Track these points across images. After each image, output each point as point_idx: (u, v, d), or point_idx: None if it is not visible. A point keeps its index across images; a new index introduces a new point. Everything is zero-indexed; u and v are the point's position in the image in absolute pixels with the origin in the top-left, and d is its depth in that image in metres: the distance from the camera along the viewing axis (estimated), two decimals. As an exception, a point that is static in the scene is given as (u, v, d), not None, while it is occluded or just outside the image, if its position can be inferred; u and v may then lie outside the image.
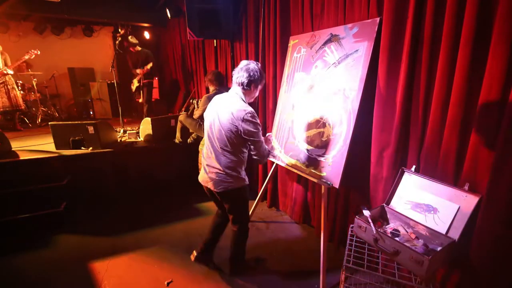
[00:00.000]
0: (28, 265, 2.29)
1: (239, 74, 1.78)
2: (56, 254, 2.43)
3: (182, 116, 3.33)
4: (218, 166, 1.82)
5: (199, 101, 3.52)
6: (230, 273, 2.15)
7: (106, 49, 6.96)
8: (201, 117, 3.10)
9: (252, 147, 1.78)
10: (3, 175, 2.71)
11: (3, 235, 2.64)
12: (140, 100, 5.07)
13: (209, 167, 1.88)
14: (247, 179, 1.92)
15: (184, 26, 4.03)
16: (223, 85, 3.17)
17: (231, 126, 1.72)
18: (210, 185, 1.87)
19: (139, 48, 4.90)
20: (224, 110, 1.76)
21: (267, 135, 2.11)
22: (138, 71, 4.80)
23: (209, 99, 3.06)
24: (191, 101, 5.01)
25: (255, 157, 1.82)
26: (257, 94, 1.90)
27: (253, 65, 1.78)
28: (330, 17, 2.21)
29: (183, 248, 2.48)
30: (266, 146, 1.87)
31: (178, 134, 3.52)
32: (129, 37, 4.85)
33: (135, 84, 4.96)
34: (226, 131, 1.75)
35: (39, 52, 4.38)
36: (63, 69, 6.26)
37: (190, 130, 3.35)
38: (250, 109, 1.73)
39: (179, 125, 3.46)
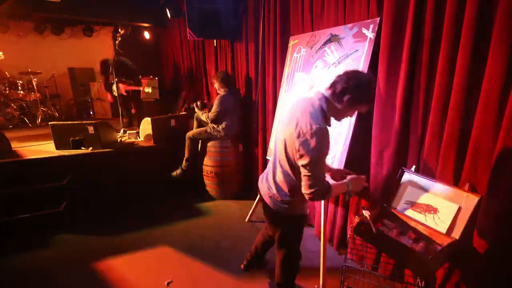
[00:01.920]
0: (28, 265, 2.29)
1: (337, 78, 1.34)
2: (56, 254, 2.43)
3: (204, 116, 3.35)
4: (272, 184, 1.52)
5: (198, 103, 3.52)
6: None
7: (106, 49, 6.96)
8: (215, 119, 3.14)
9: (305, 176, 1.30)
10: (3, 175, 2.71)
11: (3, 235, 2.64)
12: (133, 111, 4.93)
13: (266, 179, 1.59)
14: (304, 210, 1.60)
15: (184, 26, 4.02)
16: (233, 85, 3.20)
17: (293, 141, 1.33)
18: (264, 197, 1.57)
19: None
20: (293, 117, 1.37)
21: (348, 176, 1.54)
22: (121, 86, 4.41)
23: (223, 99, 3.09)
24: (192, 105, 4.99)
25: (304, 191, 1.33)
26: (349, 115, 1.41)
27: (362, 74, 1.33)
28: (330, 17, 2.21)
29: (183, 248, 2.48)
30: (325, 179, 1.37)
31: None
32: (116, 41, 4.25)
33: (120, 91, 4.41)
34: (287, 147, 1.39)
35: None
36: (63, 69, 6.26)
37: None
38: (321, 123, 1.27)
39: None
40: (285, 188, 1.47)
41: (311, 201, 1.40)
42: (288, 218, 1.54)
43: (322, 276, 1.98)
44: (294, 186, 1.42)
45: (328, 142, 1.30)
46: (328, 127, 1.31)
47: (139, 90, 4.60)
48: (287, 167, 1.42)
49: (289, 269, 1.73)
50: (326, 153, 1.31)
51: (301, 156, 1.29)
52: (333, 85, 1.33)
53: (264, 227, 1.96)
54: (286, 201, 1.48)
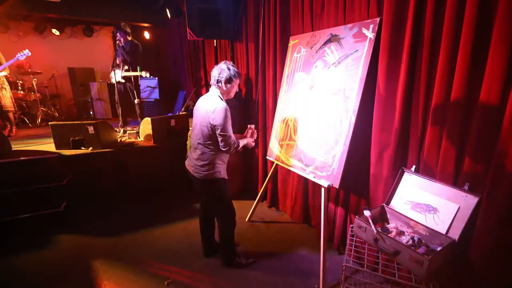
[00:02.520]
0: (28, 265, 2.29)
1: (212, 75, 1.99)
2: (56, 254, 2.43)
3: None
4: (195, 156, 2.02)
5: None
6: (223, 263, 2.26)
7: (106, 49, 6.96)
8: None
9: (219, 139, 1.90)
10: (3, 175, 2.71)
11: (3, 235, 2.64)
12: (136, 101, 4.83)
13: (190, 158, 2.09)
14: (224, 175, 2.07)
15: (184, 26, 4.03)
16: None
17: (205, 120, 1.90)
18: (190, 170, 2.07)
19: (130, 38, 4.33)
20: (200, 107, 1.99)
21: (248, 125, 2.26)
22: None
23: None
24: (190, 102, 4.99)
25: (222, 149, 1.94)
26: (234, 90, 2.05)
27: (222, 64, 1.97)
28: (330, 17, 2.21)
29: (183, 248, 2.48)
30: (234, 139, 1.96)
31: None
32: (122, 24, 4.24)
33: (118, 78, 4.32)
34: (203, 127, 1.93)
35: (29, 53, 4.20)
36: (63, 69, 6.26)
37: None
38: (223, 104, 1.88)
39: None
40: (204, 158, 1.99)
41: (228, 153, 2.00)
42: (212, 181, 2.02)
43: (322, 276, 1.98)
44: (211, 154, 1.97)
45: (228, 111, 1.91)
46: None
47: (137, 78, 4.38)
48: (202, 142, 1.96)
49: (227, 225, 2.17)
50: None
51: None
52: (214, 80, 1.99)
53: (199, 209, 2.36)
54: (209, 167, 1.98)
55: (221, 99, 1.96)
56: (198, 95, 5.13)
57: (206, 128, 1.91)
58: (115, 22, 5.96)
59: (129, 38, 4.34)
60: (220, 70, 1.95)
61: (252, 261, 2.30)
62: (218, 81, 1.96)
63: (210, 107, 1.88)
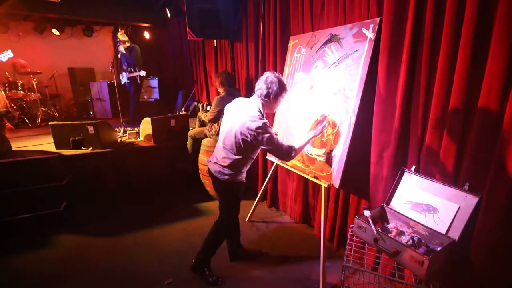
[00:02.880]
0: (28, 265, 2.29)
1: (258, 86, 1.84)
2: (56, 254, 2.43)
3: (204, 115, 3.35)
4: (223, 162, 1.93)
5: (204, 104, 3.52)
6: (192, 267, 2.14)
7: (106, 49, 6.96)
8: (213, 119, 3.14)
9: (272, 153, 1.89)
10: (3, 175, 2.71)
11: (3, 235, 2.64)
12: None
13: (215, 158, 2.01)
14: (244, 178, 2.02)
15: (184, 26, 4.03)
16: (233, 86, 3.18)
17: (242, 133, 1.79)
18: (212, 171, 2.00)
19: (128, 44, 4.60)
20: (240, 115, 1.84)
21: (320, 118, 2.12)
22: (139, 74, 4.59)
23: (222, 100, 3.08)
24: (196, 103, 4.98)
25: (280, 159, 1.95)
26: (277, 105, 1.92)
27: (272, 77, 1.82)
28: (330, 17, 2.22)
29: (183, 248, 2.48)
30: (288, 147, 1.84)
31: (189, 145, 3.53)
32: (119, 34, 4.59)
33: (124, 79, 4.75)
34: (237, 137, 1.82)
35: (11, 55, 4.22)
36: (63, 69, 6.26)
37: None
38: (262, 121, 1.76)
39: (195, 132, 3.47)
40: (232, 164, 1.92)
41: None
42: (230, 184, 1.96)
43: (322, 276, 1.98)
44: (239, 161, 1.91)
45: (268, 127, 1.80)
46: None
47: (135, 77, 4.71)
48: (233, 152, 1.89)
49: (224, 226, 2.15)
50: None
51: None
52: (258, 94, 1.86)
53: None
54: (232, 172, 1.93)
55: (261, 113, 1.82)
56: (198, 95, 5.13)
57: (241, 141, 1.81)
58: (115, 22, 5.97)
59: (128, 45, 4.49)
60: (270, 84, 1.79)
61: (220, 283, 2.05)
62: (266, 96, 1.80)
63: (250, 124, 1.74)
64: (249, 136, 1.76)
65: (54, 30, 6.03)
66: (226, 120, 1.96)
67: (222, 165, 1.92)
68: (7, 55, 4.10)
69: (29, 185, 2.76)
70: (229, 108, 1.98)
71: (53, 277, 2.16)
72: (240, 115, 1.84)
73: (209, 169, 2.03)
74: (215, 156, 2.01)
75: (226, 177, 1.91)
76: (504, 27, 1.23)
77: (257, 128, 1.73)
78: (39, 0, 4.59)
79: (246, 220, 2.95)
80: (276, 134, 1.85)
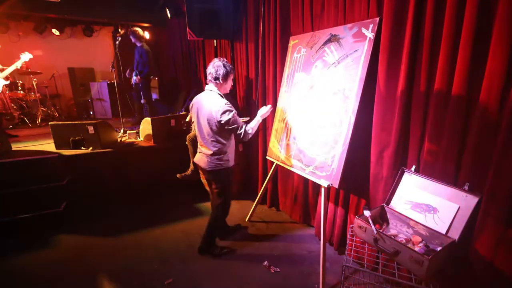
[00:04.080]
0: (28, 265, 2.29)
1: (208, 71, 2.13)
2: (56, 254, 2.43)
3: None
4: (208, 151, 2.15)
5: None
6: (199, 249, 2.39)
7: (106, 49, 6.96)
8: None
9: (234, 132, 2.06)
10: (3, 175, 2.71)
11: (3, 235, 2.64)
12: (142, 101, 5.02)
13: (201, 153, 2.24)
14: (232, 162, 2.23)
15: (184, 26, 4.02)
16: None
17: (213, 120, 2.03)
18: (202, 165, 2.21)
19: (142, 44, 4.74)
20: (204, 106, 2.09)
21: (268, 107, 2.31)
22: (133, 80, 4.62)
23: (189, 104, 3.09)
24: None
25: (241, 139, 2.09)
26: (229, 86, 2.20)
27: (217, 62, 2.11)
28: (330, 17, 2.21)
29: (183, 248, 2.48)
30: (246, 127, 2.08)
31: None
32: (137, 29, 4.46)
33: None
34: (210, 124, 2.05)
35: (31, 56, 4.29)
36: (63, 69, 6.26)
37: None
38: (224, 101, 2.02)
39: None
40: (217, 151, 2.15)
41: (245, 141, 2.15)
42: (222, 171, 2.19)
43: (322, 276, 1.98)
44: (222, 147, 2.14)
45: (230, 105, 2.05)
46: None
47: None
48: (213, 138, 2.11)
49: (222, 211, 2.38)
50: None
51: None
52: (211, 77, 2.13)
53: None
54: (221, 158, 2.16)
55: (221, 96, 2.10)
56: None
57: (215, 126, 2.04)
58: (115, 22, 5.97)
59: (141, 44, 4.57)
60: (217, 67, 2.08)
61: (226, 251, 2.41)
62: (216, 78, 2.08)
63: (215, 107, 2.00)
64: (219, 119, 1.99)
65: (54, 30, 6.04)
66: (194, 115, 2.19)
67: (208, 155, 2.14)
68: (28, 55, 4.22)
69: (29, 185, 2.76)
70: (192, 105, 2.21)
71: (53, 277, 2.16)
72: (204, 104, 2.09)
73: (199, 166, 2.25)
74: (199, 153, 2.25)
75: (214, 164, 2.13)
76: (504, 27, 1.23)
77: (222, 108, 1.98)
78: (39, 0, 4.59)
79: (246, 220, 2.95)
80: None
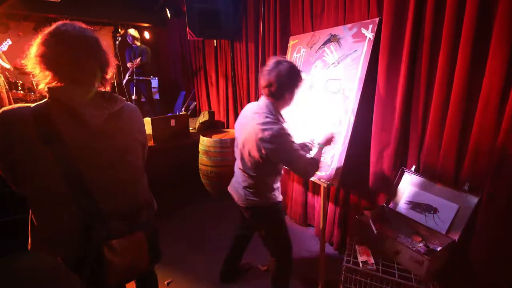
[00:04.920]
0: (29, 265, 2.29)
1: (264, 81, 1.47)
2: (56, 254, 2.43)
3: None
4: (241, 182, 1.62)
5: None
6: None
7: (105, 49, 6.95)
8: None
9: (290, 168, 1.49)
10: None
11: (3, 235, 2.64)
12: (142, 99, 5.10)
13: (235, 182, 1.71)
14: (278, 197, 1.64)
15: (184, 26, 4.03)
16: None
17: (254, 147, 1.44)
18: (235, 198, 1.68)
19: (139, 44, 4.90)
20: (249, 126, 1.47)
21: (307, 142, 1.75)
22: (128, 64, 4.79)
23: None
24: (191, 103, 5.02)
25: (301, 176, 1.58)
26: (292, 100, 1.55)
27: (277, 67, 1.44)
28: (330, 17, 2.21)
29: (183, 248, 2.48)
30: (307, 158, 1.47)
31: None
32: (132, 30, 4.81)
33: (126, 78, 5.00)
34: (252, 154, 1.48)
35: (10, 42, 4.27)
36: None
37: None
38: (277, 126, 1.39)
39: None
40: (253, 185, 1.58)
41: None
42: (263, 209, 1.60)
43: (321, 276, 1.98)
44: (261, 183, 1.58)
45: (286, 132, 1.44)
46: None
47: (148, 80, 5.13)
48: (250, 172, 1.56)
49: (285, 266, 1.74)
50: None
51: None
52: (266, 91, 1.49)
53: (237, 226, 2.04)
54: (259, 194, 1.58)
55: (273, 115, 1.46)
56: (198, 95, 5.12)
57: (256, 157, 1.45)
58: (115, 22, 5.96)
59: (138, 44, 4.72)
60: (277, 77, 1.42)
61: None
62: (274, 95, 1.46)
63: (260, 133, 1.39)
64: (263, 150, 1.40)
65: (54, 30, 6.03)
66: (238, 134, 1.62)
67: (245, 188, 1.58)
68: (7, 43, 4.18)
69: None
70: (239, 121, 1.62)
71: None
72: (251, 125, 1.46)
73: (235, 200, 1.71)
74: (236, 180, 1.70)
75: (255, 200, 1.55)
76: (504, 27, 1.23)
77: (271, 137, 1.37)
78: (39, 0, 4.59)
79: (246, 220, 2.95)
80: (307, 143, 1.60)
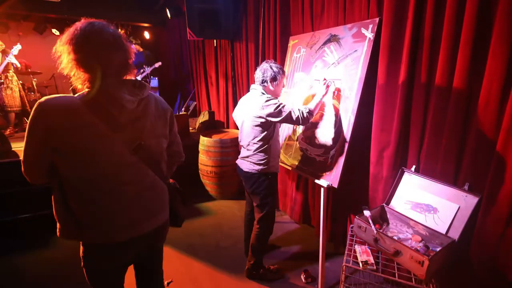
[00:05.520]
0: (28, 265, 2.29)
1: (256, 76, 1.95)
2: (56, 254, 2.43)
3: None
4: (245, 154, 1.98)
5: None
6: (246, 273, 2.11)
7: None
8: None
9: (290, 120, 1.82)
10: (3, 175, 2.71)
11: (3, 235, 2.64)
12: None
13: (243, 156, 2.03)
14: (276, 168, 2.00)
15: (184, 26, 4.03)
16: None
17: (255, 120, 1.85)
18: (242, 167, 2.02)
19: (141, 49, 4.97)
20: (248, 109, 1.92)
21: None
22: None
23: None
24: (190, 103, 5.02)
25: (300, 125, 1.97)
26: (280, 89, 1.98)
27: (266, 64, 1.93)
28: (330, 17, 2.22)
29: (183, 248, 2.48)
30: (300, 109, 1.83)
31: None
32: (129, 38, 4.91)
33: None
34: (254, 124, 1.87)
35: (20, 47, 4.26)
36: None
37: None
38: (271, 99, 1.83)
39: None
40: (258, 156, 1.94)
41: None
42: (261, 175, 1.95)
43: (321, 276, 1.98)
44: (264, 151, 1.93)
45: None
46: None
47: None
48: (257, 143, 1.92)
49: (265, 229, 2.05)
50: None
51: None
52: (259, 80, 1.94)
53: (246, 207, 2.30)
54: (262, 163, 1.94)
55: (265, 94, 1.91)
56: (198, 96, 5.12)
57: (259, 127, 1.86)
58: (115, 22, 5.97)
59: (141, 49, 4.77)
60: (264, 70, 1.90)
61: (280, 276, 2.13)
62: (263, 81, 1.91)
63: (257, 104, 1.83)
64: (263, 115, 1.81)
65: (54, 30, 6.03)
66: (238, 120, 2.04)
67: (249, 159, 1.94)
68: (17, 48, 4.19)
69: (29, 185, 2.75)
70: (237, 110, 2.05)
71: (53, 277, 2.16)
72: (248, 108, 1.91)
73: (240, 169, 2.03)
74: (242, 154, 2.04)
75: (257, 167, 1.92)
76: (504, 27, 1.23)
77: (265, 102, 1.81)
78: (39, 0, 4.59)
79: (246, 220, 2.95)
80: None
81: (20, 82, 5.20)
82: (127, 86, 1.03)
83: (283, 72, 1.95)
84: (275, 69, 1.90)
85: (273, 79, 1.90)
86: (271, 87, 1.91)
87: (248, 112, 1.90)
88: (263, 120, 1.83)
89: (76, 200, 1.01)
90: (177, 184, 1.49)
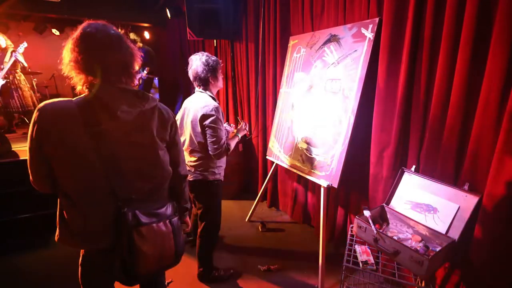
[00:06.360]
0: (28, 265, 2.29)
1: (192, 74, 1.85)
2: (56, 254, 2.43)
3: None
4: (188, 161, 1.89)
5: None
6: (199, 279, 2.10)
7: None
8: None
9: (209, 141, 1.76)
10: (3, 175, 2.71)
11: (3, 235, 2.64)
12: None
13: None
14: (221, 176, 1.95)
15: (184, 26, 4.03)
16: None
17: (200, 123, 1.77)
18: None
19: (141, 45, 4.96)
20: (190, 112, 1.84)
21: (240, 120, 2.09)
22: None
23: None
24: None
25: (211, 153, 1.78)
26: (220, 80, 1.91)
27: (195, 60, 1.82)
28: (330, 17, 2.22)
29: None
30: (226, 142, 1.81)
31: None
32: (130, 34, 4.89)
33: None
34: (195, 131, 1.81)
35: (25, 44, 4.27)
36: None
37: None
38: (213, 104, 1.76)
39: None
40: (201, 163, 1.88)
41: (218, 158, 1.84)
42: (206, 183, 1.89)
43: (321, 276, 1.98)
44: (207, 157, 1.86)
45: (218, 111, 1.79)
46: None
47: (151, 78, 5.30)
48: (198, 149, 1.86)
49: (210, 237, 2.02)
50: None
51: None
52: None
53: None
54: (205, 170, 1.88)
55: (210, 96, 1.84)
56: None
57: (201, 133, 1.79)
58: (115, 22, 5.97)
59: (141, 45, 4.79)
60: (197, 68, 1.81)
61: (232, 273, 2.14)
62: (202, 83, 1.85)
63: (203, 111, 1.75)
64: (207, 121, 1.74)
65: (54, 30, 6.04)
66: (181, 125, 1.93)
67: (192, 165, 1.86)
68: (23, 46, 4.21)
69: (29, 185, 2.75)
70: (180, 114, 1.94)
71: (53, 277, 2.16)
72: (191, 110, 1.83)
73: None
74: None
75: (200, 176, 1.85)
76: (504, 27, 1.23)
77: (210, 112, 1.73)
78: (39, 0, 4.59)
79: (246, 220, 2.95)
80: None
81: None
82: (127, 96, 0.99)
83: (219, 62, 1.89)
84: (211, 61, 1.81)
85: (213, 73, 1.85)
86: (211, 84, 1.87)
87: (192, 117, 1.85)
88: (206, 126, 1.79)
89: (67, 210, 0.99)
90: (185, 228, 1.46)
